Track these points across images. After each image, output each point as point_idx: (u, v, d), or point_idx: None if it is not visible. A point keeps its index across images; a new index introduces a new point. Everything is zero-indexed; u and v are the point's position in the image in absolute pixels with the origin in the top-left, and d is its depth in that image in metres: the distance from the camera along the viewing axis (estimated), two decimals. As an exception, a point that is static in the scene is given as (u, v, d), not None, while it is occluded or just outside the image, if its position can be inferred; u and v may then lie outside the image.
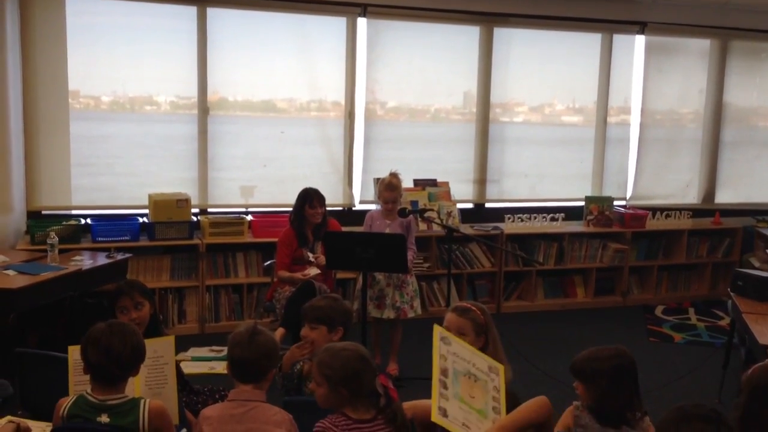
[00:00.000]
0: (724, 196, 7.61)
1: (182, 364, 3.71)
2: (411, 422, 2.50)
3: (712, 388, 4.71)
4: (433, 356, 2.38)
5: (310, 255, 4.96)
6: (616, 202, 7.08)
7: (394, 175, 4.97)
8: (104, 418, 2.41)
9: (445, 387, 2.31)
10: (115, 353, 2.43)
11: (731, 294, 4.64)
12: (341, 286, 5.98)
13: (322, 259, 4.86)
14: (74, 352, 2.74)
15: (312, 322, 3.19)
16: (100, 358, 2.43)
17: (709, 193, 7.57)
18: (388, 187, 4.91)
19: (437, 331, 2.44)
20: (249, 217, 6.04)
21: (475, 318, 2.94)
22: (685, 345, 5.88)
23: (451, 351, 2.39)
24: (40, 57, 5.56)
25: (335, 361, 2.42)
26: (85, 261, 4.91)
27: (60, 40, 5.60)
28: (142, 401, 2.48)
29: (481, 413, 2.25)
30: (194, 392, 3.49)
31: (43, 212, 5.76)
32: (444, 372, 2.32)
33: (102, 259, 4.99)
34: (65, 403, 2.47)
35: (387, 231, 4.90)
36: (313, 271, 4.89)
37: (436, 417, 2.24)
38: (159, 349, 2.96)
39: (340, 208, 6.41)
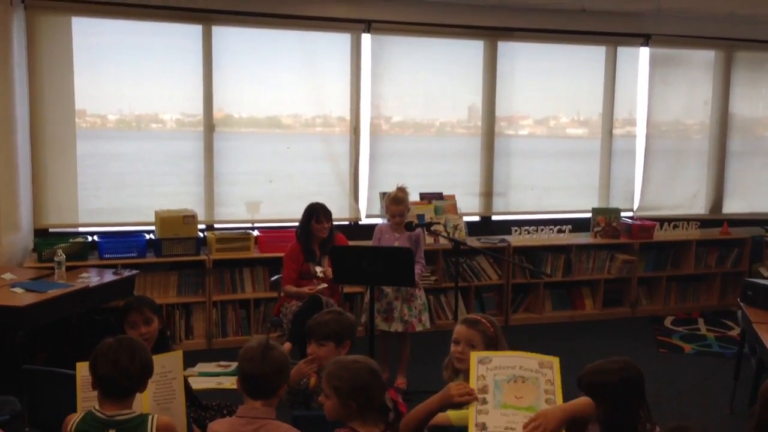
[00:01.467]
0: (731, 206, 7.58)
1: (190, 380, 3.71)
2: None
3: (723, 399, 4.67)
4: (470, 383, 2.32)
5: (318, 269, 4.96)
6: (623, 214, 7.06)
7: (401, 189, 4.97)
8: (112, 434, 2.40)
9: (484, 402, 2.24)
10: (124, 368, 2.43)
11: (741, 304, 4.61)
12: (348, 300, 5.97)
13: (330, 272, 4.86)
14: (82, 369, 2.74)
15: (319, 339, 3.18)
16: (108, 372, 2.43)
17: (717, 203, 7.55)
18: (395, 201, 4.92)
19: (474, 357, 2.38)
20: (255, 233, 6.05)
21: (485, 330, 2.92)
22: (695, 356, 5.84)
23: (492, 367, 2.32)
24: (47, 76, 5.60)
25: (345, 373, 2.40)
26: (92, 278, 4.92)
27: (67, 60, 5.64)
28: (150, 417, 2.48)
29: (531, 409, 2.17)
30: (203, 407, 3.48)
31: (50, 230, 5.78)
32: (483, 390, 2.26)
33: (109, 276, 5.01)
34: (73, 420, 2.47)
35: (396, 244, 4.89)
36: (321, 286, 4.89)
37: None
38: (167, 364, 2.96)
39: (347, 223, 6.41)
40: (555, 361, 2.28)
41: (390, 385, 2.43)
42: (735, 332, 6.27)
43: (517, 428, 2.14)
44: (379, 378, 2.44)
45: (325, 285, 4.89)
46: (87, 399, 2.70)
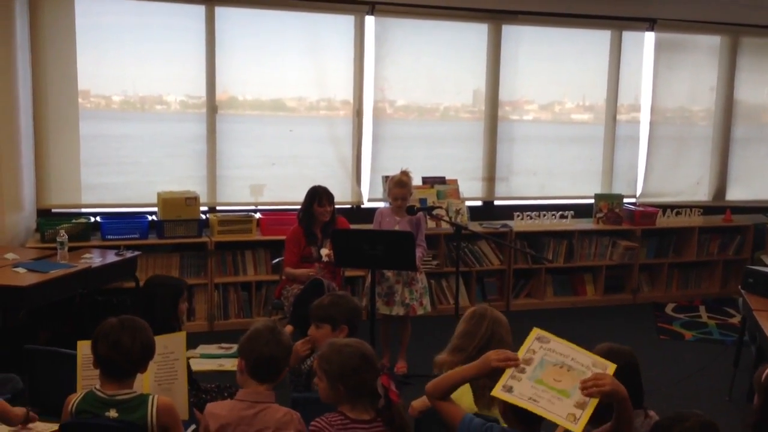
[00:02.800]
0: (735, 194, 7.56)
1: (191, 361, 3.73)
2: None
3: (722, 386, 4.69)
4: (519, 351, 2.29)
5: (323, 251, 4.96)
6: (626, 200, 7.05)
7: (404, 173, 4.97)
8: (113, 413, 2.42)
9: (523, 371, 2.22)
10: (125, 348, 2.45)
11: (742, 291, 4.61)
12: (350, 283, 5.98)
13: (333, 255, 4.86)
14: (83, 347, 2.76)
15: (316, 321, 3.19)
16: (109, 352, 2.44)
17: (720, 190, 7.53)
18: (398, 184, 4.91)
19: (534, 332, 2.37)
20: (258, 215, 6.05)
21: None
22: (695, 343, 5.85)
23: (546, 348, 2.30)
24: (49, 57, 5.58)
25: (335, 356, 2.41)
26: (95, 259, 4.93)
27: (69, 40, 5.62)
28: (151, 397, 2.49)
29: (563, 393, 2.14)
30: (202, 390, 3.50)
31: (53, 210, 5.79)
32: (527, 361, 2.24)
33: (111, 257, 5.02)
34: (74, 399, 2.48)
35: (396, 228, 4.89)
36: (325, 252, 4.89)
37: (497, 392, 2.14)
38: (170, 344, 2.98)
39: (349, 206, 6.41)
40: (611, 366, 2.21)
41: (385, 371, 2.41)
42: (736, 320, 6.27)
43: (540, 401, 2.12)
44: (371, 364, 2.43)
45: (328, 257, 4.88)
46: (87, 378, 2.72)
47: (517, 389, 2.15)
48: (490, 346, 2.66)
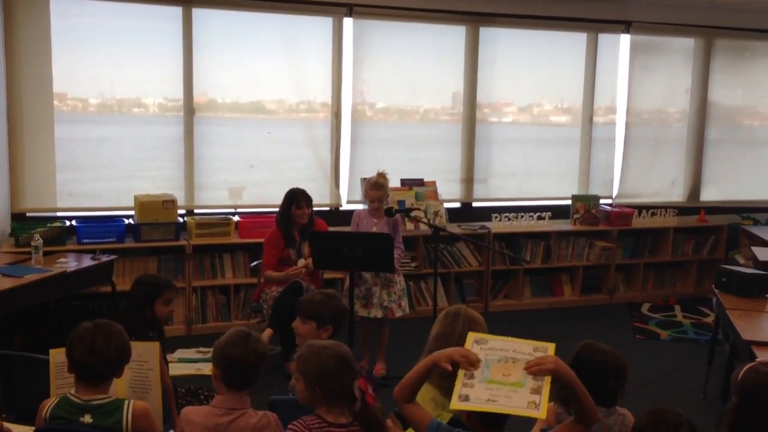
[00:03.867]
0: (709, 194, 7.66)
1: (170, 366, 3.71)
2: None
3: (696, 385, 4.75)
4: None
5: (301, 261, 4.95)
6: (602, 201, 7.13)
7: (381, 175, 4.98)
8: (87, 419, 2.40)
9: (472, 377, 2.25)
10: (99, 351, 2.42)
11: (716, 291, 4.67)
12: (329, 286, 5.95)
13: (311, 263, 4.86)
14: (56, 356, 2.72)
15: (303, 316, 3.20)
16: (84, 356, 2.42)
17: (695, 191, 7.62)
18: (375, 186, 4.92)
19: (471, 337, 2.39)
20: (236, 218, 6.03)
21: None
22: (671, 342, 5.92)
23: (486, 348, 2.34)
24: (24, 59, 5.53)
25: (312, 358, 2.40)
26: (70, 263, 4.90)
27: (45, 42, 5.57)
28: (126, 402, 2.47)
29: (517, 385, 2.18)
30: (179, 395, 3.49)
31: (28, 214, 5.73)
32: (473, 364, 2.28)
33: (87, 261, 4.99)
34: (48, 404, 2.46)
35: (374, 230, 4.90)
36: (302, 263, 4.89)
37: (455, 404, 2.17)
38: (143, 353, 2.91)
39: (327, 209, 6.41)
40: (551, 346, 2.27)
41: (363, 374, 2.41)
42: (710, 319, 6.35)
43: (499, 400, 2.15)
44: (349, 366, 2.41)
45: (306, 267, 4.89)
46: (60, 386, 2.68)
47: (473, 395, 2.17)
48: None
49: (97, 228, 5.59)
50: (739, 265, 6.22)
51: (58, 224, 5.49)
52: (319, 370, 2.36)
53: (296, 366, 2.42)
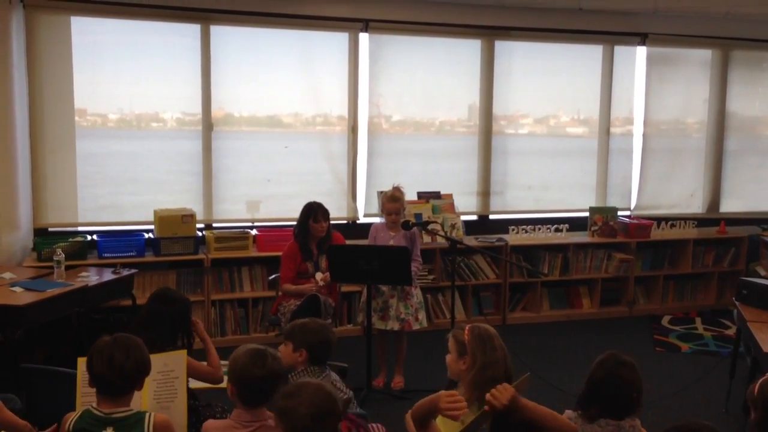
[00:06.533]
0: (728, 205, 7.60)
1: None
2: None
3: (718, 398, 4.70)
4: None
5: (318, 275, 4.97)
6: (620, 213, 7.09)
7: (396, 188, 5.01)
8: (110, 432, 2.43)
9: None
10: (118, 365, 2.45)
11: (736, 303, 4.63)
12: (346, 299, 6.00)
13: (328, 276, 4.88)
14: (83, 364, 2.76)
15: (284, 336, 3.20)
16: (103, 369, 2.45)
17: (714, 202, 7.57)
18: (391, 199, 4.94)
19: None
20: (254, 232, 6.07)
21: (456, 335, 2.86)
22: (691, 355, 5.86)
23: None
24: (46, 76, 5.62)
25: (290, 416, 2.24)
26: (92, 277, 4.95)
27: (66, 59, 5.67)
28: (148, 414, 2.50)
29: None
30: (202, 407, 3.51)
31: (50, 229, 5.80)
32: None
33: (108, 275, 5.04)
34: (71, 418, 2.49)
35: (391, 243, 4.92)
36: (319, 276, 4.91)
37: None
38: (170, 362, 2.97)
39: (345, 222, 6.44)
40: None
41: (344, 415, 2.37)
42: (731, 331, 6.28)
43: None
44: (324, 417, 2.24)
45: (323, 281, 4.91)
46: (87, 394, 2.72)
47: None
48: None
49: (118, 242, 5.65)
50: (759, 276, 6.17)
51: (79, 239, 5.56)
52: (296, 430, 2.23)
53: (276, 419, 2.30)
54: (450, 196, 6.58)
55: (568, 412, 2.66)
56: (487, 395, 2.37)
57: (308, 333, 3.10)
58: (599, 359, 2.69)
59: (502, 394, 2.37)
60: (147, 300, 3.56)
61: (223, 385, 4.63)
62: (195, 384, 4.69)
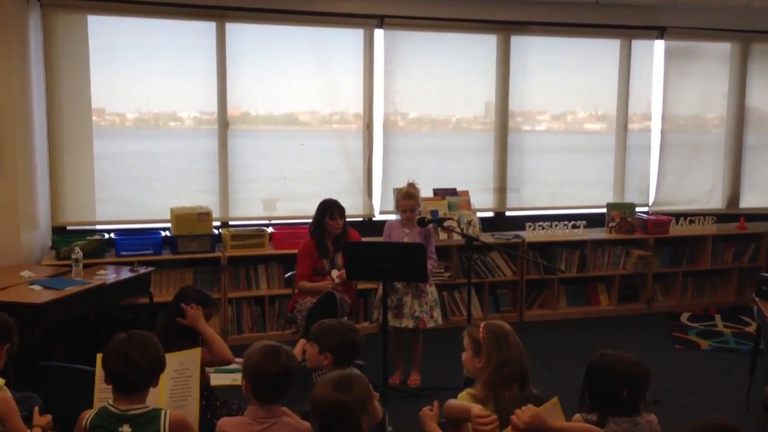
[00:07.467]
0: (748, 201, 7.51)
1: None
2: None
3: (739, 395, 4.64)
4: None
5: (334, 273, 4.97)
6: (638, 209, 7.02)
7: (411, 185, 4.99)
8: (126, 429, 2.44)
9: None
10: (133, 362, 2.46)
11: (756, 299, 4.58)
12: (362, 296, 5.99)
13: (344, 274, 4.87)
14: (101, 360, 2.78)
15: (309, 337, 3.16)
16: (118, 366, 2.46)
17: (734, 197, 7.48)
18: (406, 196, 4.93)
19: None
20: (270, 230, 6.08)
21: (471, 333, 2.86)
22: (711, 352, 5.80)
23: None
24: (63, 76, 5.66)
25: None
26: (109, 275, 4.98)
27: (83, 59, 5.70)
28: (163, 411, 2.51)
29: None
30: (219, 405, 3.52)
31: (68, 228, 5.85)
32: None
33: (125, 273, 5.07)
34: (88, 415, 2.51)
35: (405, 240, 4.90)
36: (335, 274, 4.91)
37: None
38: (186, 360, 2.99)
39: (360, 219, 6.43)
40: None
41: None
42: (752, 328, 6.19)
43: None
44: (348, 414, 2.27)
45: (339, 279, 4.90)
46: (104, 391, 2.73)
47: None
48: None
49: (135, 240, 5.68)
50: (780, 272, 6.09)
51: (97, 237, 5.60)
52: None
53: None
54: (466, 192, 6.55)
55: (577, 417, 2.64)
56: (512, 416, 2.37)
57: (335, 336, 3.06)
58: (589, 360, 2.69)
59: (524, 412, 2.35)
60: (172, 299, 3.59)
61: (238, 382, 4.67)
62: (214, 381, 4.72)
